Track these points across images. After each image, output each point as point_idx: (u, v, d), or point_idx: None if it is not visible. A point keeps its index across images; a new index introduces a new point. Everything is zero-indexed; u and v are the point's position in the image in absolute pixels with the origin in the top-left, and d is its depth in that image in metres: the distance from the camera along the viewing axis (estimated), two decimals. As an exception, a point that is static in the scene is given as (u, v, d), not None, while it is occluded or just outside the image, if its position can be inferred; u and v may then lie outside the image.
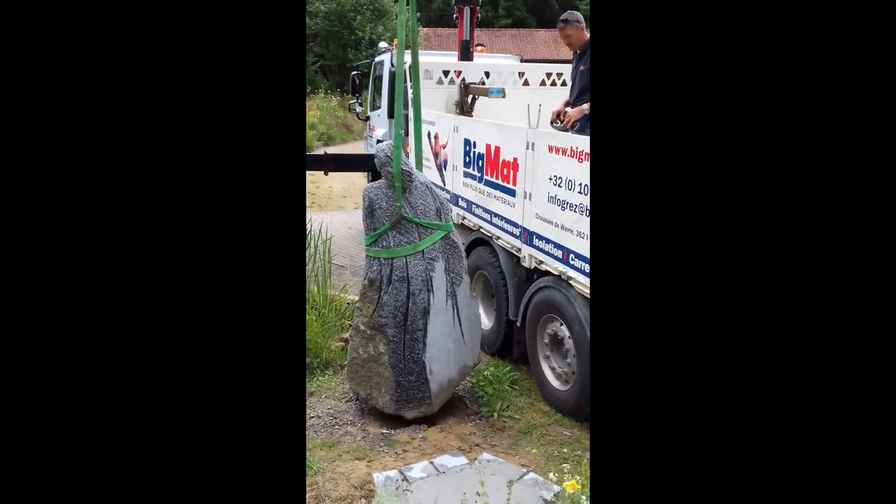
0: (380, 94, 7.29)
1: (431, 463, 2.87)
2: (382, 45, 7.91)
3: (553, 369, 3.63)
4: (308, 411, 3.49)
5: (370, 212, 3.28)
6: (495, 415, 3.46)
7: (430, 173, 4.92)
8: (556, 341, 3.57)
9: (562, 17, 4.27)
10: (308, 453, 3.01)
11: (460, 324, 3.40)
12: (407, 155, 3.62)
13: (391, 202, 3.25)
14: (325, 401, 3.63)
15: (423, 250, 3.27)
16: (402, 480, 2.71)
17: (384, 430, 3.32)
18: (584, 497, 2.01)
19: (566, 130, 4.08)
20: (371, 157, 5.58)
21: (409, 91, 3.75)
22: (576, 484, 2.00)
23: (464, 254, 3.46)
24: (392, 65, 6.73)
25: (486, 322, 4.37)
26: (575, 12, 4.33)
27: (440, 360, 3.34)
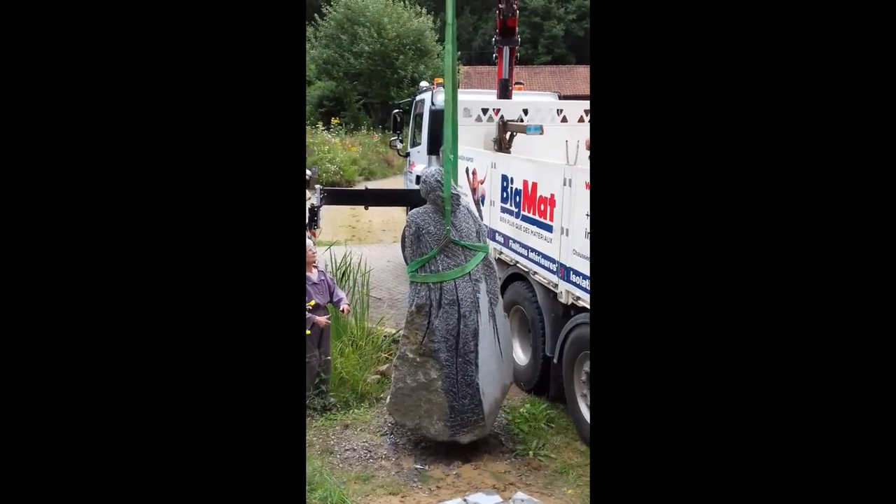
0: (420, 132, 7.46)
1: (465, 500, 2.84)
2: (423, 84, 8.12)
3: (591, 408, 3.56)
4: (343, 444, 3.51)
5: (416, 237, 3.31)
6: (531, 453, 3.41)
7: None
8: (594, 379, 3.52)
9: None
10: (342, 486, 3.02)
11: (499, 343, 3.42)
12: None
13: (439, 226, 3.28)
14: (361, 434, 3.64)
15: (469, 272, 3.31)
16: (435, 517, 2.69)
17: (418, 466, 3.31)
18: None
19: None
20: (410, 192, 5.69)
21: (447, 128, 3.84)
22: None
23: (497, 274, 3.52)
24: (433, 103, 6.90)
25: (523, 358, 4.33)
26: None
27: (489, 380, 3.35)
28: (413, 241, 3.34)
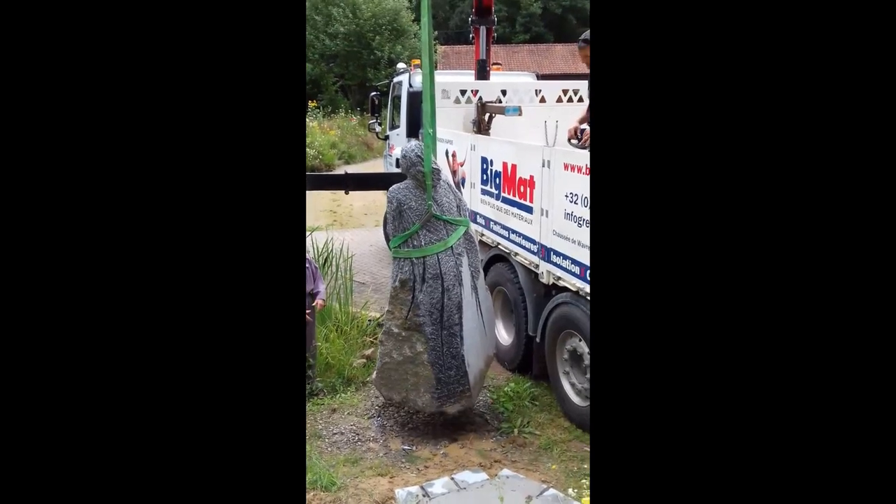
0: (398, 114, 7.42)
1: (452, 479, 2.90)
2: (401, 65, 8.06)
3: (573, 385, 3.64)
4: (331, 428, 3.55)
5: (398, 213, 3.33)
6: (516, 431, 3.48)
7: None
8: (576, 357, 3.59)
9: (582, 38, 4.31)
10: (332, 469, 3.07)
11: (482, 315, 3.49)
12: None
13: (420, 201, 3.30)
14: (348, 417, 3.69)
15: (451, 246, 3.35)
16: (424, 496, 2.75)
17: (406, 447, 3.36)
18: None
19: (583, 148, 4.13)
20: (391, 175, 5.67)
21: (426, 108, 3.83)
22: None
23: (478, 247, 3.58)
24: (410, 85, 6.85)
25: (507, 337, 4.40)
26: None
27: (473, 352, 3.42)
28: (395, 217, 3.35)
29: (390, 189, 3.43)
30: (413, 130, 6.52)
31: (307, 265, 3.89)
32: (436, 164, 3.37)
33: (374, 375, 3.57)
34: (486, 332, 3.55)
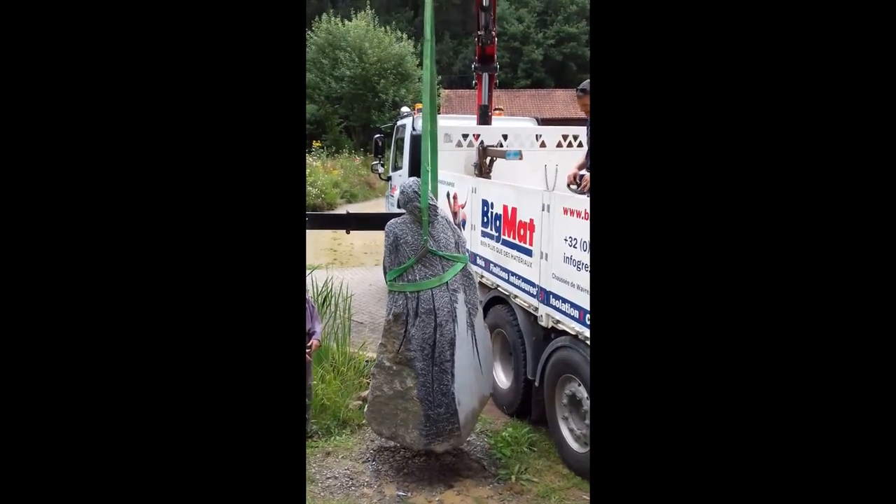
0: (401, 156, 7.53)
1: (447, 528, 2.82)
2: (405, 109, 8.22)
3: (572, 431, 3.58)
4: (324, 472, 3.48)
5: (394, 247, 3.35)
6: (513, 478, 3.41)
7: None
8: (575, 402, 3.54)
9: (580, 87, 4.41)
10: (324, 515, 2.99)
11: (478, 354, 3.45)
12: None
13: (417, 236, 3.32)
14: (343, 461, 3.61)
15: (447, 282, 3.34)
16: (418, 546, 2.67)
17: (400, 493, 3.29)
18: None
19: (582, 193, 4.17)
20: (392, 215, 5.72)
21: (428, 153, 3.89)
22: (593, 552, 1.96)
23: (477, 285, 3.55)
24: (413, 128, 6.98)
25: (505, 381, 4.35)
26: None
27: (465, 390, 3.37)
28: (391, 251, 3.38)
29: (388, 223, 3.47)
30: (415, 172, 6.60)
31: (306, 304, 3.88)
32: (433, 200, 3.40)
33: (366, 408, 3.53)
34: (482, 372, 3.50)
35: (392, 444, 3.76)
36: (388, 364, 3.34)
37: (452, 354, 3.31)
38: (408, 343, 3.28)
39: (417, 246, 3.32)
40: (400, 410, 3.33)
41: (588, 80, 4.55)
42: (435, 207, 3.38)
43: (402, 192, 3.42)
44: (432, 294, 3.30)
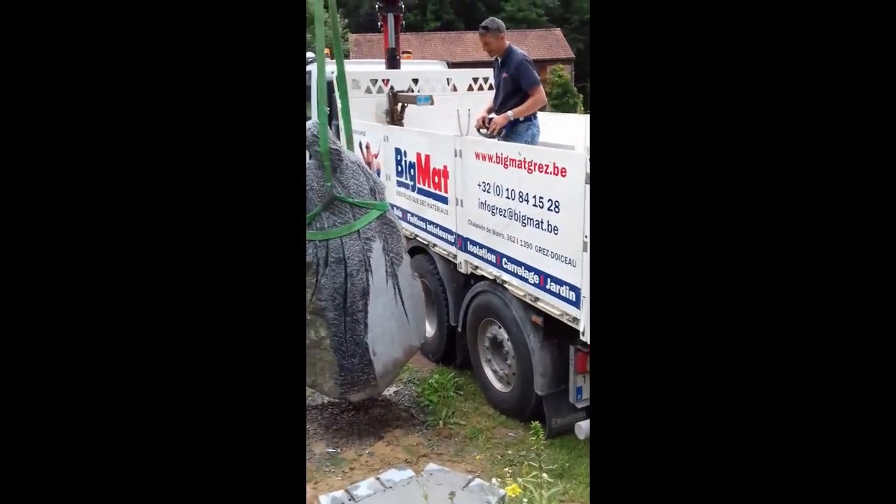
0: (309, 104, 7.18)
1: (378, 479, 2.85)
2: (309, 55, 7.79)
3: (495, 372, 3.67)
4: (250, 437, 3.41)
5: None
6: (441, 423, 3.48)
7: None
8: (496, 344, 3.62)
9: (482, 25, 4.32)
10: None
11: (403, 304, 3.38)
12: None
13: (322, 182, 3.17)
14: (268, 424, 3.55)
15: (358, 230, 3.22)
16: (349, 500, 2.69)
17: (330, 450, 3.28)
18: (525, 500, 2.05)
19: (492, 137, 4.14)
20: None
21: (338, 100, 3.71)
22: (517, 488, 2.03)
23: (402, 233, 3.45)
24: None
25: (429, 329, 4.38)
26: (496, 20, 4.38)
27: (383, 340, 3.31)
28: None
29: None
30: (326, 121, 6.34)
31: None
32: (336, 143, 3.23)
33: None
34: (408, 322, 3.43)
35: (319, 402, 3.73)
36: None
37: (366, 304, 3.24)
38: (318, 293, 3.18)
39: (323, 192, 3.17)
40: (317, 360, 3.27)
41: (491, 19, 4.46)
42: (338, 151, 3.20)
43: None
44: (342, 242, 3.19)
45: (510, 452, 3.14)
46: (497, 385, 3.65)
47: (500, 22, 4.33)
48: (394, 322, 3.36)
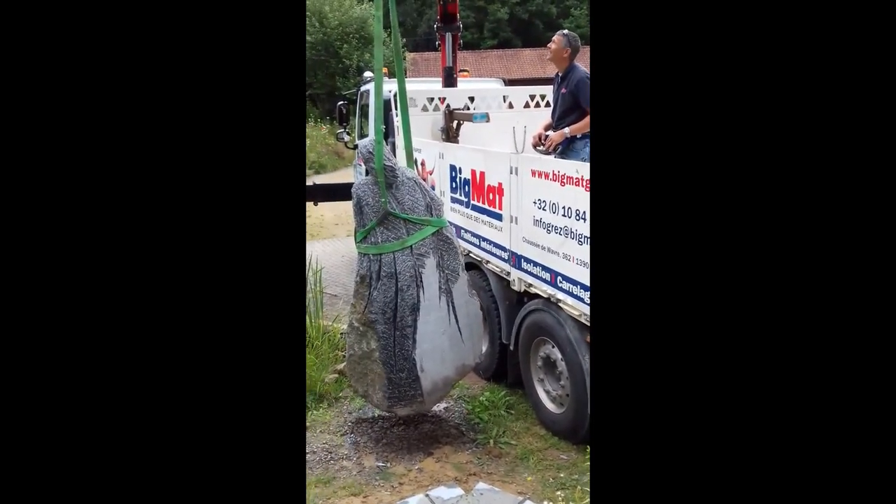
0: (367, 123, 7.35)
1: (427, 496, 2.84)
2: (367, 74, 7.99)
3: (548, 392, 3.61)
4: (303, 447, 3.46)
5: (359, 209, 3.29)
6: (491, 441, 3.43)
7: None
8: (549, 364, 3.56)
9: (562, 31, 4.29)
10: (303, 491, 2.98)
11: (457, 321, 3.36)
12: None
13: (377, 198, 3.24)
14: (320, 435, 3.59)
15: (411, 246, 3.25)
16: (399, 515, 2.68)
17: (380, 464, 3.29)
18: (578, 526, 2.00)
19: (548, 154, 4.12)
20: None
21: (397, 118, 3.79)
22: (569, 513, 1.98)
23: (459, 250, 3.45)
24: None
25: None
26: (577, 37, 4.26)
27: (433, 357, 3.31)
28: (357, 212, 3.32)
29: (354, 184, 3.39)
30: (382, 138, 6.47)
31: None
32: (391, 160, 3.28)
33: (346, 363, 3.56)
34: (462, 340, 3.41)
35: (370, 415, 3.76)
36: (356, 325, 3.33)
37: (415, 320, 3.25)
38: (370, 305, 3.24)
39: (378, 208, 3.24)
40: (368, 371, 3.33)
41: (574, 34, 4.38)
42: (392, 168, 3.25)
43: (359, 152, 3.35)
44: (394, 257, 3.23)
45: (562, 475, 3.07)
46: (549, 405, 3.58)
47: (578, 41, 4.23)
48: (446, 339, 3.36)
